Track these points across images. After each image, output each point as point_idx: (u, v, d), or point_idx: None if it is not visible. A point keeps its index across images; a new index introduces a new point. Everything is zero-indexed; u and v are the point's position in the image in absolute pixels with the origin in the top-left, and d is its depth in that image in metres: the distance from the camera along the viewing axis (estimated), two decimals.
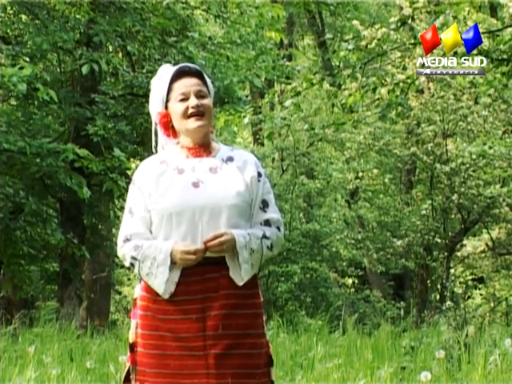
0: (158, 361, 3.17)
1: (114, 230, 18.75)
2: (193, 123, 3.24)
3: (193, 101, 3.24)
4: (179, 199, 3.18)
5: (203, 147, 3.29)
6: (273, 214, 3.30)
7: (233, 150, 3.34)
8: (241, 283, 3.19)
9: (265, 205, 3.29)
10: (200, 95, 3.25)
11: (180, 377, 3.15)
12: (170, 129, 3.34)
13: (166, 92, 3.29)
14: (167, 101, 3.29)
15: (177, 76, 3.28)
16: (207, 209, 3.17)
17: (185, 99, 3.25)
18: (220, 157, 3.29)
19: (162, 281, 3.16)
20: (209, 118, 3.26)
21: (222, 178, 3.23)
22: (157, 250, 3.16)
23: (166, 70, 3.33)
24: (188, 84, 3.26)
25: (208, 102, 3.27)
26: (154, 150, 3.43)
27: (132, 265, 3.22)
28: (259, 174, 3.29)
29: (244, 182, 3.24)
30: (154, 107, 3.34)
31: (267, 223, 3.28)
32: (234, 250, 3.16)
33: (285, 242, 16.41)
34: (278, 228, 3.30)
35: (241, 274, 3.18)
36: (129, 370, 3.30)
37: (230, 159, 3.29)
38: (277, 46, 20.87)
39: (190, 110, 3.24)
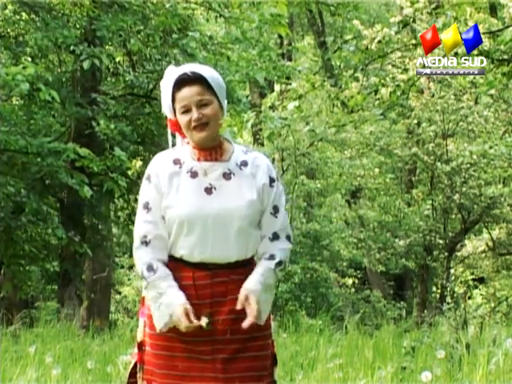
0: (167, 362, 3.17)
1: (114, 230, 18.75)
2: (196, 135, 3.22)
3: (194, 114, 3.19)
4: (192, 207, 3.15)
5: (214, 149, 3.26)
6: (281, 221, 3.27)
7: (247, 153, 3.30)
8: (263, 322, 3.19)
9: (276, 210, 3.28)
10: (201, 104, 3.20)
11: (188, 379, 3.14)
12: (182, 133, 3.33)
13: (170, 102, 3.27)
14: (174, 110, 3.27)
15: (178, 85, 3.23)
16: (219, 218, 3.15)
17: (187, 111, 3.21)
18: (234, 161, 3.25)
19: (159, 321, 3.15)
20: (214, 125, 3.22)
21: (236, 185, 3.20)
22: (165, 298, 3.11)
23: (170, 75, 3.28)
24: (188, 95, 3.21)
25: (211, 109, 3.21)
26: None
27: (143, 276, 3.18)
28: (272, 180, 3.27)
29: (257, 190, 3.22)
30: (166, 112, 3.33)
31: (275, 236, 3.25)
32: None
33: None
34: (288, 237, 3.28)
35: (262, 317, 3.19)
36: (134, 367, 3.29)
37: (244, 164, 3.26)
38: (277, 45, 20.89)
39: (193, 124, 3.20)
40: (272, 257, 3.21)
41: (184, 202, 3.16)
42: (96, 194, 12.95)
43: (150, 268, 3.14)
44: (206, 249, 3.15)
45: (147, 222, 3.18)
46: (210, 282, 3.17)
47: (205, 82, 3.23)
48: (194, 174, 3.21)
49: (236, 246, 3.17)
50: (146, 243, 3.17)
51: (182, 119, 3.23)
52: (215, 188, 3.19)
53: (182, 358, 3.15)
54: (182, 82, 3.23)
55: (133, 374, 3.30)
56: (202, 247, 3.15)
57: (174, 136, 3.40)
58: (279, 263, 3.21)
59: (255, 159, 3.29)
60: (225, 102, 3.31)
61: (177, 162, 3.25)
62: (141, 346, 3.27)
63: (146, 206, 3.20)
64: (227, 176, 3.22)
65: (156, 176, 3.22)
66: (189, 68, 3.28)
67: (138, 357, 3.27)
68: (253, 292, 3.13)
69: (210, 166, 3.23)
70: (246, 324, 3.08)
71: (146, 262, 3.16)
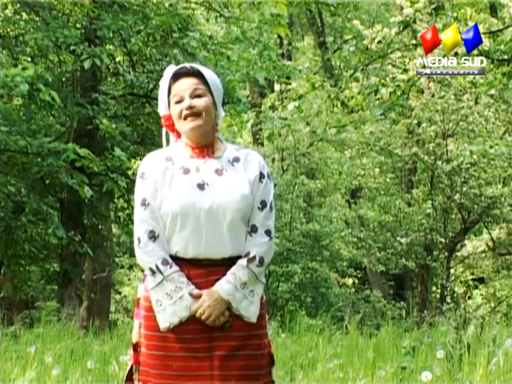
0: (161, 362, 3.16)
1: (114, 230, 18.76)
2: (187, 124, 3.22)
3: (186, 102, 3.21)
4: (185, 201, 3.16)
5: (207, 147, 3.27)
6: (264, 216, 3.23)
7: (239, 150, 3.31)
8: (254, 320, 3.18)
9: (263, 205, 3.25)
10: (195, 95, 3.22)
11: (184, 378, 3.14)
12: (175, 130, 3.34)
13: (166, 95, 3.29)
14: (169, 103, 3.29)
15: (175, 78, 3.26)
16: (212, 211, 3.15)
17: (180, 101, 3.23)
18: (226, 157, 3.26)
19: (172, 317, 3.15)
20: (206, 117, 3.22)
21: (228, 180, 3.20)
22: (186, 291, 3.15)
23: (168, 72, 3.32)
24: (183, 85, 3.23)
25: (205, 101, 3.22)
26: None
27: (152, 271, 3.17)
28: (262, 175, 3.26)
29: (249, 185, 3.22)
30: (161, 110, 3.34)
31: (253, 229, 3.22)
32: (224, 301, 3.15)
33: (285, 242, 16.42)
34: (267, 231, 3.23)
35: (245, 314, 3.18)
36: (131, 369, 3.29)
37: (236, 160, 3.27)
38: (277, 45, 20.89)
39: (184, 112, 3.21)
40: (247, 254, 3.20)
41: (176, 196, 3.17)
42: (96, 194, 12.96)
43: (166, 262, 3.16)
44: (199, 243, 3.15)
45: (150, 218, 3.19)
46: (204, 280, 3.17)
47: (201, 77, 3.25)
48: (186, 171, 3.22)
49: (230, 240, 3.17)
50: (154, 238, 3.17)
51: (175, 109, 3.24)
52: (208, 184, 3.19)
53: (176, 357, 3.15)
54: (178, 75, 3.26)
55: (129, 376, 3.30)
56: (195, 242, 3.15)
57: (167, 136, 3.41)
58: (253, 258, 3.18)
59: (247, 155, 3.30)
60: (220, 105, 3.31)
61: (169, 159, 3.26)
62: (136, 347, 3.27)
63: (144, 203, 3.21)
64: (219, 172, 3.23)
65: (149, 172, 3.24)
66: (188, 64, 3.33)
67: (133, 358, 3.28)
68: (209, 292, 3.14)
69: (202, 163, 3.25)
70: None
71: (160, 256, 3.16)
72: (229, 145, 3.34)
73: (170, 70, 3.32)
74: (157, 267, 3.15)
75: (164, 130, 3.41)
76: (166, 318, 3.14)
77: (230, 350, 3.14)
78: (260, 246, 3.20)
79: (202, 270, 3.18)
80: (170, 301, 3.14)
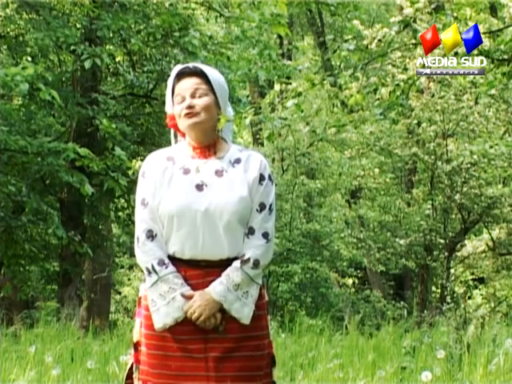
0: (160, 361, 3.17)
1: (114, 230, 18.75)
2: (185, 122, 3.22)
3: (186, 102, 3.22)
4: (182, 202, 3.15)
5: (208, 147, 3.27)
6: (262, 218, 3.21)
7: (242, 151, 3.30)
8: (247, 321, 3.16)
9: (262, 208, 3.23)
10: (196, 95, 3.23)
11: (181, 378, 3.14)
12: (179, 130, 3.34)
13: (170, 95, 3.30)
14: (173, 103, 3.30)
15: (178, 78, 3.27)
16: (209, 213, 3.14)
17: (182, 101, 3.24)
18: (228, 158, 3.25)
19: (165, 317, 3.16)
20: (206, 115, 3.22)
21: (227, 182, 3.19)
22: (179, 293, 3.15)
23: (173, 71, 3.33)
24: (185, 85, 3.25)
25: (205, 100, 3.22)
26: None
27: (148, 271, 3.17)
28: (262, 177, 3.24)
29: (248, 187, 3.21)
30: (167, 109, 3.35)
31: (251, 231, 3.20)
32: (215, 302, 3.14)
33: (285, 242, 16.42)
34: (265, 234, 3.21)
35: (237, 315, 3.16)
36: (131, 368, 3.30)
37: (238, 161, 3.25)
38: (277, 45, 20.89)
39: (183, 111, 3.22)
40: (242, 255, 3.18)
41: (174, 197, 3.17)
42: (96, 193, 12.96)
43: (162, 262, 3.15)
44: (196, 244, 3.14)
45: (149, 218, 3.19)
46: (201, 281, 3.17)
47: (204, 77, 3.26)
48: (186, 171, 3.22)
49: (226, 241, 3.16)
50: (152, 238, 3.18)
51: (176, 109, 3.26)
52: (206, 185, 3.19)
53: (175, 357, 3.15)
54: (181, 75, 3.27)
55: (130, 375, 3.31)
56: (192, 243, 3.14)
57: (176, 136, 3.42)
58: (247, 260, 3.16)
59: (249, 156, 3.28)
60: (225, 105, 3.31)
61: (170, 159, 3.27)
62: (137, 346, 3.27)
63: (143, 202, 3.22)
64: (219, 173, 3.22)
65: (150, 172, 3.24)
66: (191, 63, 3.34)
67: (134, 357, 3.28)
68: (202, 293, 3.13)
69: (202, 163, 3.24)
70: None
71: (157, 256, 3.16)
72: (233, 145, 3.33)
73: (176, 69, 3.33)
74: (152, 267, 3.16)
75: (172, 132, 3.42)
76: (160, 319, 3.15)
77: (224, 352, 3.14)
78: (256, 248, 3.19)
79: (200, 271, 3.17)
80: (163, 301, 3.14)
